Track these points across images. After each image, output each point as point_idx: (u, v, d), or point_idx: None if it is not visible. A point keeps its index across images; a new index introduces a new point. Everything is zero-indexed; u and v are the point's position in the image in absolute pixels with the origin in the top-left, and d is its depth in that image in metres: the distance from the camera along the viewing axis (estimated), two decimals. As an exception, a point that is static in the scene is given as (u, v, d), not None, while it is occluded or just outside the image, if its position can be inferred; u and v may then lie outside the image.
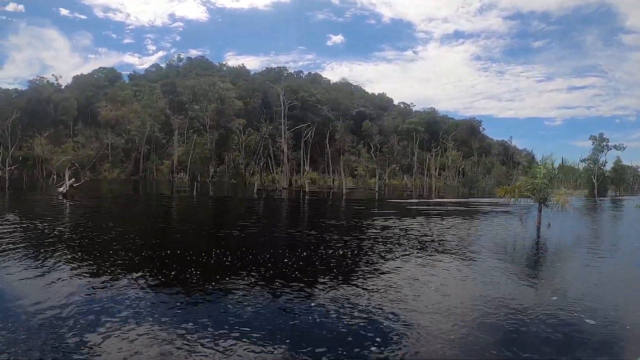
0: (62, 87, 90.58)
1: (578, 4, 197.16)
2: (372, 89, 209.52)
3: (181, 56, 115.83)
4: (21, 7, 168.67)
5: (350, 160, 79.41)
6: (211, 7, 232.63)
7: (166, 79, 77.15)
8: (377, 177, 56.98)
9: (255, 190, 37.18)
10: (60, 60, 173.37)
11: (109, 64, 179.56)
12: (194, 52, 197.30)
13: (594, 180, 61.58)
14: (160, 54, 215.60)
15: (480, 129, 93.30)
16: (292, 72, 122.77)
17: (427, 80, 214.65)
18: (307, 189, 41.32)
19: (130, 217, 18.71)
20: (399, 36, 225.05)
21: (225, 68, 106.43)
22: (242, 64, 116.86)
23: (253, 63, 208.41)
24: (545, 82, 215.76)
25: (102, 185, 45.13)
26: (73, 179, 29.52)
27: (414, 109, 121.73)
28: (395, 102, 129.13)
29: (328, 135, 75.66)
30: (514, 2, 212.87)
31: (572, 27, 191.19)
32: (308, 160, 65.38)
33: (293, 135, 75.51)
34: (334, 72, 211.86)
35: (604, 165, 74.09)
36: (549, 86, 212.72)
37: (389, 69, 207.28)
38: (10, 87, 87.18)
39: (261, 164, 60.30)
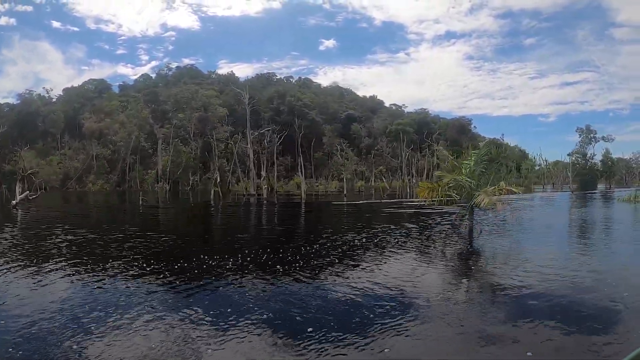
0: (53, 99, 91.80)
1: None
2: (366, 92, 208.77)
3: (171, 65, 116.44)
4: (13, 20, 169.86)
5: (338, 163, 79.68)
6: (203, 15, 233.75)
7: (155, 88, 77.63)
8: (345, 180, 56.74)
9: (212, 197, 37.83)
10: (54, 72, 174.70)
11: (103, 75, 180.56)
12: (187, 61, 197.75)
13: (568, 174, 60.65)
14: (154, 63, 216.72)
15: (471, 127, 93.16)
16: (282, 77, 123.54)
17: (420, 82, 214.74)
18: (264, 195, 40.90)
19: (33, 226, 18.20)
20: (391, 39, 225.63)
21: (214, 76, 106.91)
22: (232, 71, 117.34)
23: (246, 70, 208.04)
24: (538, 79, 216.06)
25: (74, 197, 45.05)
26: (27, 192, 29.92)
27: (406, 110, 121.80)
28: (387, 104, 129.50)
29: (314, 139, 75.91)
30: (505, 1, 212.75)
31: (564, 23, 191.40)
32: (276, 165, 65.50)
33: (278, 140, 76.06)
34: (327, 77, 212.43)
35: (592, 158, 72.84)
36: (542, 83, 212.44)
37: (383, 72, 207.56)
38: (4, 100, 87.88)
39: (238, 170, 60.36)
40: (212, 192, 39.82)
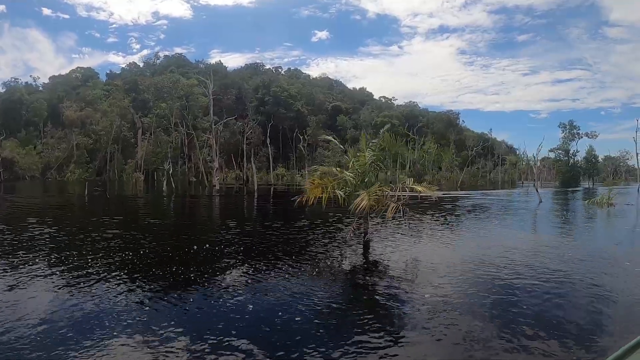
0: (40, 88, 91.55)
1: None
2: (358, 84, 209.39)
3: (159, 54, 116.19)
4: (2, 7, 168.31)
5: (323, 155, 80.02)
6: (195, 4, 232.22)
7: (137, 77, 77.49)
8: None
9: (164, 187, 38.91)
10: (44, 61, 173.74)
11: (94, 63, 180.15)
12: (178, 50, 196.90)
13: (551, 170, 60.44)
14: (145, 52, 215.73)
15: (459, 121, 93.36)
16: (271, 67, 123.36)
17: (413, 75, 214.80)
18: (217, 186, 40.90)
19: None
20: (384, 31, 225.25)
21: (202, 65, 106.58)
22: (220, 60, 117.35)
23: (238, 60, 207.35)
24: (530, 76, 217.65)
25: (42, 186, 44.85)
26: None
27: (396, 102, 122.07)
28: (376, 97, 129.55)
29: (296, 130, 76.20)
30: None
31: (558, 21, 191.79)
32: (251, 156, 65.73)
33: (261, 131, 76.38)
34: (320, 68, 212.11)
35: (575, 155, 72.20)
36: (534, 79, 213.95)
37: (375, 64, 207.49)
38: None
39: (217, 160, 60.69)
40: (165, 182, 40.36)
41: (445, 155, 72.49)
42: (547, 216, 22.09)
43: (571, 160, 71.04)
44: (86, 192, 30.03)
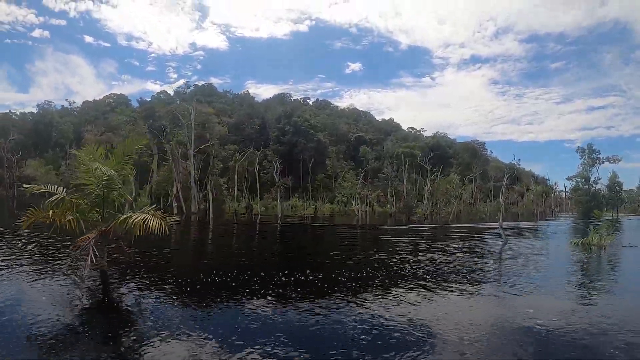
0: (75, 112, 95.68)
1: (593, 23, 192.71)
2: (390, 116, 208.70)
3: (189, 83, 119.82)
4: (47, 33, 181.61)
5: (343, 186, 77.86)
6: (231, 36, 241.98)
7: (157, 103, 79.33)
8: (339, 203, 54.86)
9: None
10: (85, 85, 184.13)
11: (132, 90, 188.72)
12: (214, 80, 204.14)
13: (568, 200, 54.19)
14: (182, 82, 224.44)
15: (484, 151, 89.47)
16: (299, 98, 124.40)
17: (445, 106, 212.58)
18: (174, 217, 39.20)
19: None
20: (416, 63, 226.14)
21: (230, 95, 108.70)
22: (247, 91, 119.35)
23: (272, 91, 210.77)
24: (564, 104, 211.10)
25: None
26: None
27: (425, 134, 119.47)
28: (405, 128, 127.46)
29: (312, 161, 74.74)
30: (530, 25, 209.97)
31: (589, 47, 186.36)
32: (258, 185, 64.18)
33: (279, 160, 75.45)
34: (352, 100, 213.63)
35: (597, 183, 63.09)
36: (568, 108, 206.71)
37: (407, 96, 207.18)
38: (28, 110, 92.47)
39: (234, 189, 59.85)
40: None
41: (444, 184, 67.68)
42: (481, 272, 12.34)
43: (592, 189, 62.38)
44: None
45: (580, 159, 61.55)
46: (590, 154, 59.82)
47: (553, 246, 21.74)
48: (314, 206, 63.88)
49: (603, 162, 60.09)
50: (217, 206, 54.17)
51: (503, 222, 22.80)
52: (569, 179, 65.32)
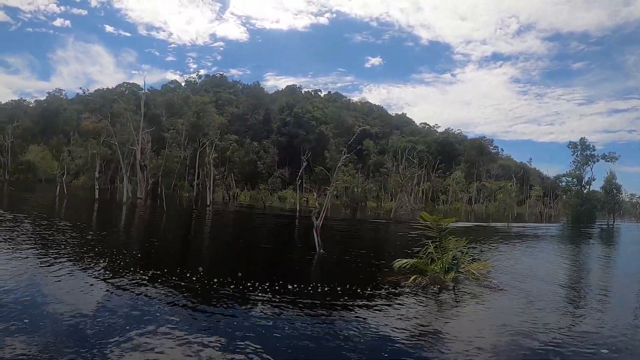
0: (87, 100, 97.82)
1: (617, 23, 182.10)
2: (409, 111, 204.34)
3: (200, 73, 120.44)
4: (68, 22, 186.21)
5: (343, 179, 76.40)
6: (251, 27, 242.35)
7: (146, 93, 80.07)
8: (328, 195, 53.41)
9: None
10: (106, 75, 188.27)
11: (153, 80, 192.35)
12: (234, 72, 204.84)
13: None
14: (202, 72, 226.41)
15: (492, 148, 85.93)
16: (310, 90, 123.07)
17: (466, 104, 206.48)
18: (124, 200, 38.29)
19: None
20: (437, 58, 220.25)
21: (239, 86, 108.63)
22: (257, 82, 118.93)
23: (292, 84, 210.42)
24: (586, 105, 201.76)
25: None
26: None
27: (439, 130, 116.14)
28: (418, 123, 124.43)
29: (309, 153, 73.27)
30: (553, 23, 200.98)
31: (613, 48, 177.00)
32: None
33: (277, 152, 74.74)
34: (372, 94, 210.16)
35: (590, 183, 54.61)
36: (590, 110, 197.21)
37: (427, 92, 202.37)
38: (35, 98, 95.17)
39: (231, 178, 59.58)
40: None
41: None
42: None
43: (585, 190, 53.88)
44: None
45: (572, 155, 53.08)
46: (583, 150, 51.76)
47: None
48: (304, 199, 62.73)
49: (598, 160, 51.88)
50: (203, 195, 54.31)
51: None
52: (557, 178, 57.77)
